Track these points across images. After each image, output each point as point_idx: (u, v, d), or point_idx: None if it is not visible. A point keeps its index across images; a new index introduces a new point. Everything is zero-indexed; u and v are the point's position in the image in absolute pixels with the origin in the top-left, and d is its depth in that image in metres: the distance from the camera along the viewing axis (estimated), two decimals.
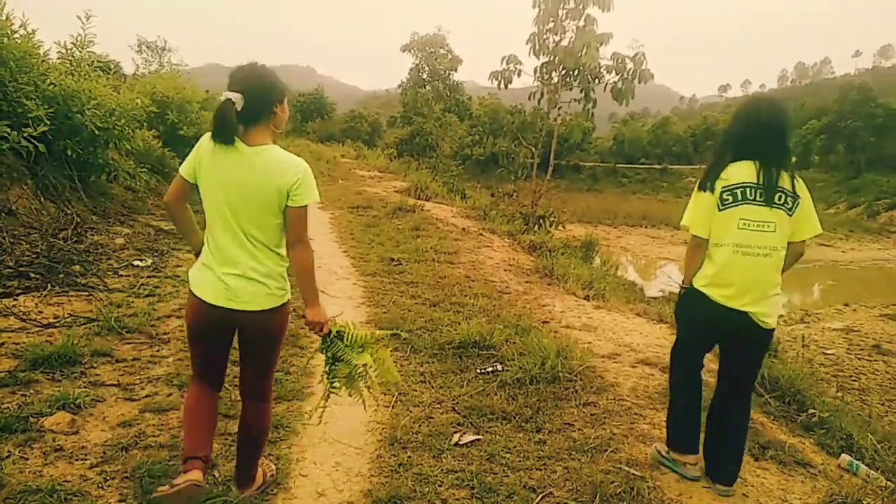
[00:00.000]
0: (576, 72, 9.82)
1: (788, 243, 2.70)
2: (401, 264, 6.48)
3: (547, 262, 7.09)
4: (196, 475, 2.18)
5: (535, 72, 10.38)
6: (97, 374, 3.45)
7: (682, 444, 2.91)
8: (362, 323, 4.80)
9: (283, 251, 2.34)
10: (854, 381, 12.04)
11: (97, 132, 6.83)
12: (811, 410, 3.81)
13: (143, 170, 8.06)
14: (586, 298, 6.04)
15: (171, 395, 3.31)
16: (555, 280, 6.48)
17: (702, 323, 2.84)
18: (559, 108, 10.13)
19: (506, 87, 9.95)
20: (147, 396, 3.27)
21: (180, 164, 2.34)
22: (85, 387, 3.29)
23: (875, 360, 13.39)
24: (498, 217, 9.64)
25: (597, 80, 9.81)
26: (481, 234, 8.41)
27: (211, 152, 2.24)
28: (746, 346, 2.81)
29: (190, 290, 2.35)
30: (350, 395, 2.57)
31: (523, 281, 6.33)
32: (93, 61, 7.65)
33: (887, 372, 12.63)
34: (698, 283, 2.77)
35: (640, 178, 63.68)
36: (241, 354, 2.52)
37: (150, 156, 9.45)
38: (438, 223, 8.83)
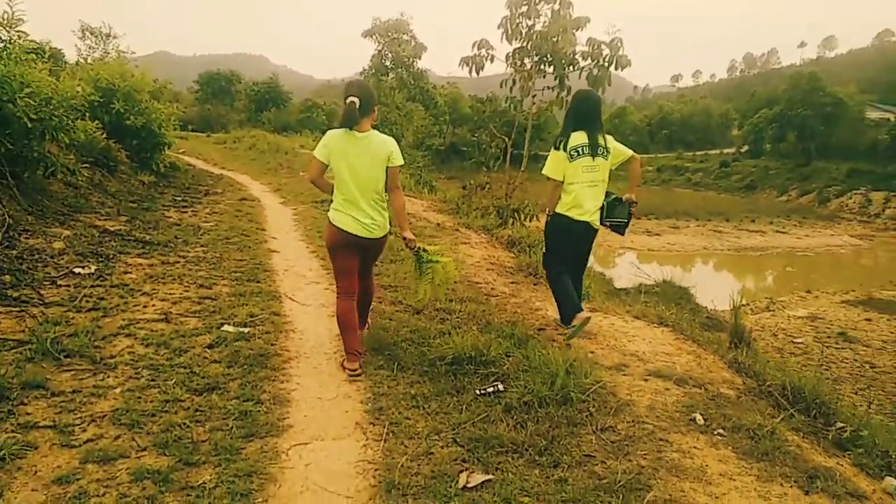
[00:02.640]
0: (550, 58, 9.41)
1: (630, 159, 4.44)
2: (375, 265, 5.96)
3: (529, 260, 6.68)
4: (356, 365, 3.65)
5: (506, 58, 9.91)
6: (28, 414, 2.87)
7: (573, 311, 4.29)
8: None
9: (385, 201, 3.76)
10: (826, 370, 12.07)
11: (30, 123, 6.09)
12: (839, 424, 3.49)
13: (86, 164, 7.32)
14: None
15: (119, 438, 2.75)
16: (541, 280, 6.06)
17: (564, 232, 4.39)
18: (533, 96, 9.71)
19: (478, 73, 9.44)
20: (89, 441, 2.71)
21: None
22: (13, 430, 2.71)
23: (843, 348, 13.52)
24: (472, 211, 9.18)
25: (571, 67, 9.41)
26: (457, 230, 7.95)
27: (338, 140, 3.58)
28: (586, 242, 4.48)
29: (334, 224, 3.68)
30: (432, 285, 3.97)
31: (509, 282, 5.90)
32: (26, 44, 6.85)
33: (856, 360, 12.74)
34: (560, 210, 4.34)
35: None
36: (361, 263, 3.88)
37: (94, 148, 8.67)
38: (411, 218, 8.31)
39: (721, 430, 3.13)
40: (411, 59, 24.52)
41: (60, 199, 7.04)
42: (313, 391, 3.43)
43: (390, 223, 3.84)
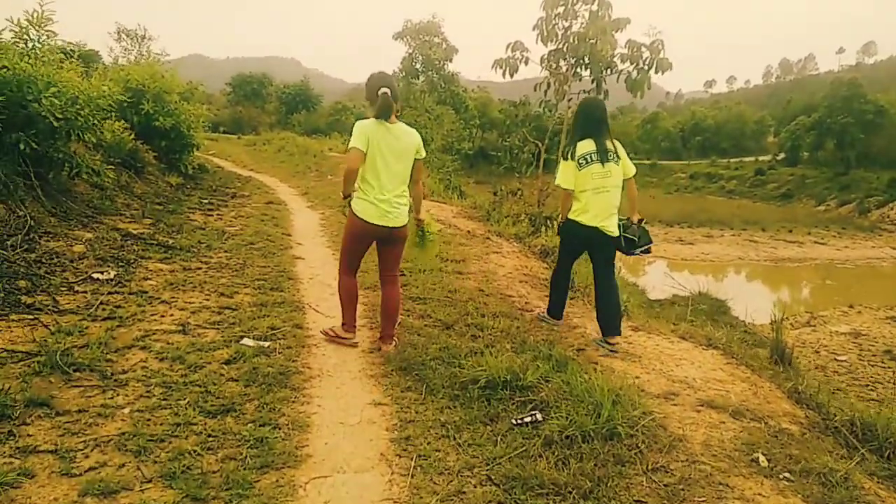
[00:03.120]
0: (587, 60, 9.08)
1: (625, 181, 4.41)
2: (403, 275, 5.70)
3: None
4: (353, 335, 4.07)
5: (541, 60, 9.62)
6: (30, 435, 2.66)
7: (559, 315, 4.77)
8: (364, 351, 4.04)
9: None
10: (871, 390, 11.47)
11: (56, 123, 5.97)
12: None
13: (112, 166, 7.21)
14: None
15: (123, 466, 2.52)
16: (577, 293, 5.74)
17: (576, 238, 4.49)
18: (569, 100, 9.38)
19: (511, 76, 9.16)
20: (91, 469, 2.48)
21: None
22: (11, 455, 2.50)
23: (889, 368, 12.84)
24: (503, 218, 8.88)
25: (609, 70, 9.08)
26: (488, 238, 7.66)
27: (374, 129, 3.67)
28: (600, 248, 4.43)
29: (359, 216, 3.76)
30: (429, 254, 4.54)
31: (543, 295, 5.58)
32: (53, 42, 6.77)
33: None
34: (573, 216, 4.40)
35: None
36: (383, 258, 4.06)
37: (122, 149, 8.58)
38: (440, 224, 8.06)
39: (787, 474, 2.79)
40: (442, 62, 24.26)
41: (85, 201, 6.92)
42: (335, 415, 3.18)
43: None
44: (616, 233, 4.37)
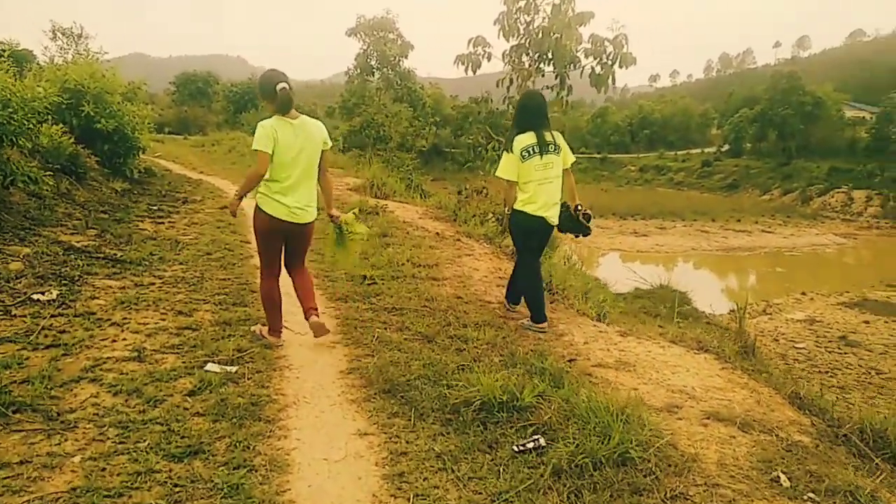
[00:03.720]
0: (550, 55, 8.89)
1: (564, 171, 4.55)
2: (375, 283, 5.40)
3: None
4: (281, 342, 4.04)
5: (503, 56, 9.38)
6: None
7: (542, 318, 4.58)
8: (342, 372, 3.72)
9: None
10: (832, 377, 11.70)
11: None
12: None
13: (50, 172, 6.65)
14: (599, 319, 5.13)
15: None
16: (556, 297, 5.53)
17: (525, 228, 4.59)
18: None
19: (474, 72, 8.90)
20: None
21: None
22: None
23: (846, 353, 13.16)
24: (470, 218, 8.62)
25: (573, 66, 8.90)
26: (458, 240, 7.38)
27: (279, 127, 3.67)
28: (543, 236, 4.65)
29: (266, 213, 3.77)
30: (350, 254, 4.34)
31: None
32: None
33: (860, 365, 12.37)
34: (518, 206, 4.52)
35: (581, 167, 63.76)
36: (291, 251, 4.05)
37: (61, 154, 7.97)
38: (407, 227, 7.75)
39: (812, 495, 2.60)
40: (397, 58, 23.75)
41: (21, 212, 6.36)
42: (317, 449, 2.85)
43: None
44: (556, 222, 4.60)
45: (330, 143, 4.01)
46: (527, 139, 4.45)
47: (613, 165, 64.81)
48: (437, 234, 7.57)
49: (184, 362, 3.58)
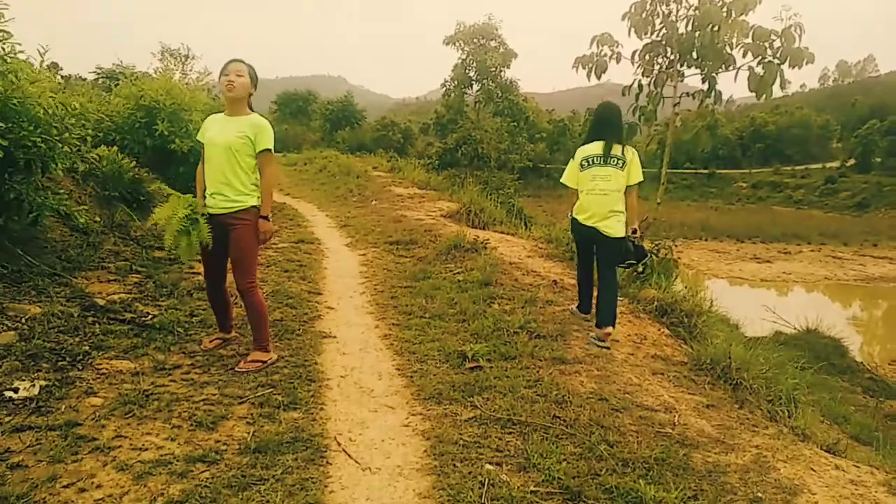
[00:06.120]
0: (696, 56, 7.10)
1: (627, 186, 4.50)
2: (481, 367, 3.84)
3: (705, 350, 4.40)
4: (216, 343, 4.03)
5: (632, 57, 7.68)
6: None
7: (587, 309, 4.88)
8: None
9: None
10: None
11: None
12: None
13: (84, 207, 5.58)
14: (828, 451, 3.31)
15: None
16: (745, 394, 3.76)
17: (578, 235, 4.83)
18: (675, 105, 7.41)
19: (598, 76, 7.25)
20: None
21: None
22: None
23: None
24: None
25: (725, 66, 7.06)
26: None
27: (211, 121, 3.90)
28: (602, 248, 4.64)
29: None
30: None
31: (701, 405, 3.61)
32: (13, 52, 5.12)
33: None
34: (574, 213, 4.73)
35: (686, 183, 59.89)
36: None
37: (121, 180, 7.01)
38: (515, 271, 6.14)
39: None
40: (499, 69, 21.95)
41: (57, 251, 5.31)
42: None
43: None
44: (616, 234, 4.48)
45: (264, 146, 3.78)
46: (591, 149, 4.56)
47: (723, 182, 60.48)
48: (554, 281, 5.91)
49: None
